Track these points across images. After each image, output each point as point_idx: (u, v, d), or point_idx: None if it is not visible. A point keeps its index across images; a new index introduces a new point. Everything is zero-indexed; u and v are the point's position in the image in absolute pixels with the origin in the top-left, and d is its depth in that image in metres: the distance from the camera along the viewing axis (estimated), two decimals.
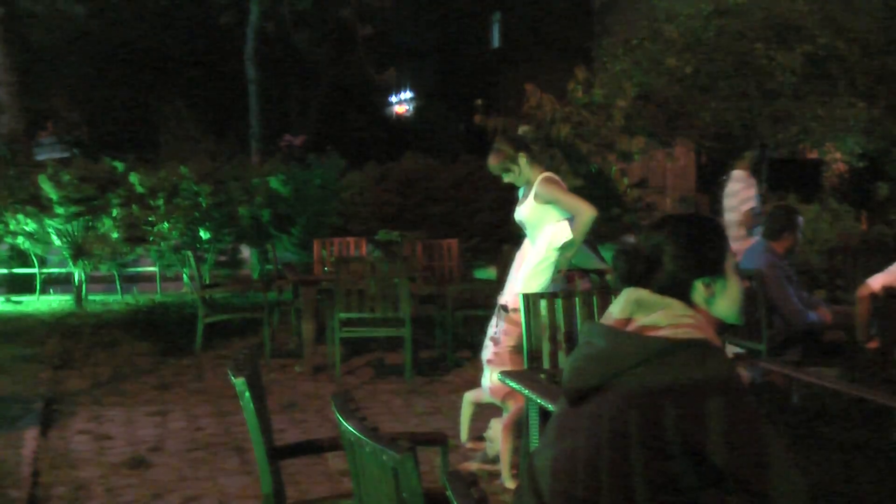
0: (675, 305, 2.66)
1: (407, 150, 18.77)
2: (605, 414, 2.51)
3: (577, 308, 5.52)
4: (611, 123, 12.78)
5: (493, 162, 6.60)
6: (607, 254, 6.77)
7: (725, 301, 2.76)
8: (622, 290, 2.78)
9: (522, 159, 6.50)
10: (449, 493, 2.77)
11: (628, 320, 2.67)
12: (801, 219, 7.42)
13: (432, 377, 9.41)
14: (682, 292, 2.70)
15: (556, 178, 6.55)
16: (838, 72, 15.39)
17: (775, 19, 15.54)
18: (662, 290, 2.69)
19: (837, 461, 3.22)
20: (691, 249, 2.72)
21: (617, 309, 2.72)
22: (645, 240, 2.77)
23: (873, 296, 6.36)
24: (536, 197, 6.42)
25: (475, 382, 8.60)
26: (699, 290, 2.70)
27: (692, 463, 2.40)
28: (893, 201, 16.03)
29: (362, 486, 3.02)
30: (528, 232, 6.70)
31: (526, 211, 6.58)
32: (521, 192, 6.76)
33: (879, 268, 6.63)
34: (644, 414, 2.44)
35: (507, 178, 6.65)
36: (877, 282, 6.40)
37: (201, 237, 14.35)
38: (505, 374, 5.12)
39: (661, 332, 2.56)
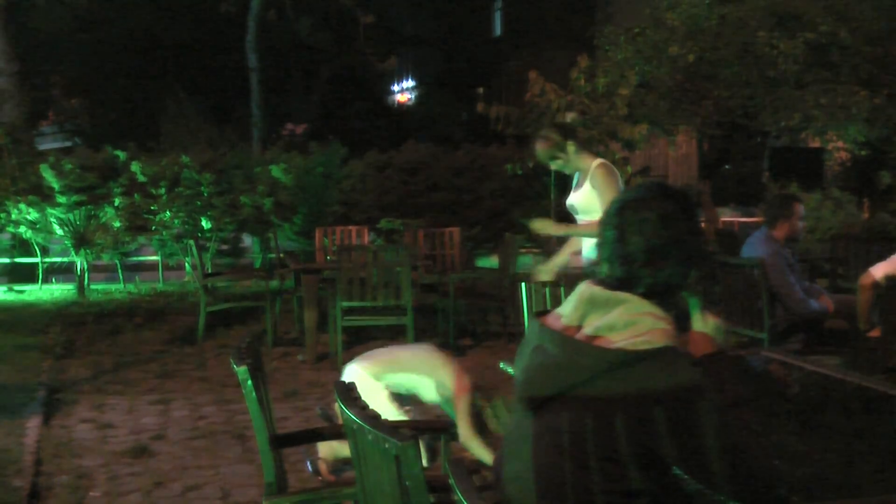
0: (632, 301, 2.51)
1: (409, 138, 18.74)
2: (563, 426, 2.45)
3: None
4: (613, 112, 12.76)
5: (540, 149, 6.65)
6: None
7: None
8: (575, 288, 2.64)
9: (571, 147, 6.57)
10: (451, 480, 2.76)
11: (580, 325, 2.53)
12: (801, 206, 7.40)
13: None
14: (647, 288, 2.55)
15: (612, 167, 6.58)
16: (841, 60, 15.37)
17: (777, 7, 15.53)
18: (621, 284, 2.55)
19: (838, 450, 3.21)
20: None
21: (568, 310, 2.59)
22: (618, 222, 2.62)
23: (875, 284, 6.36)
24: (592, 181, 6.47)
25: (477, 371, 8.61)
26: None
27: (653, 475, 2.37)
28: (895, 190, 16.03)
29: (365, 473, 3.02)
30: (579, 219, 6.74)
31: (579, 197, 6.64)
32: (574, 180, 6.79)
33: (881, 256, 6.63)
34: (600, 425, 2.38)
35: (554, 166, 6.73)
36: (879, 270, 6.40)
37: (203, 226, 14.35)
38: (508, 362, 5.12)
39: (619, 343, 2.42)
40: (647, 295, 2.53)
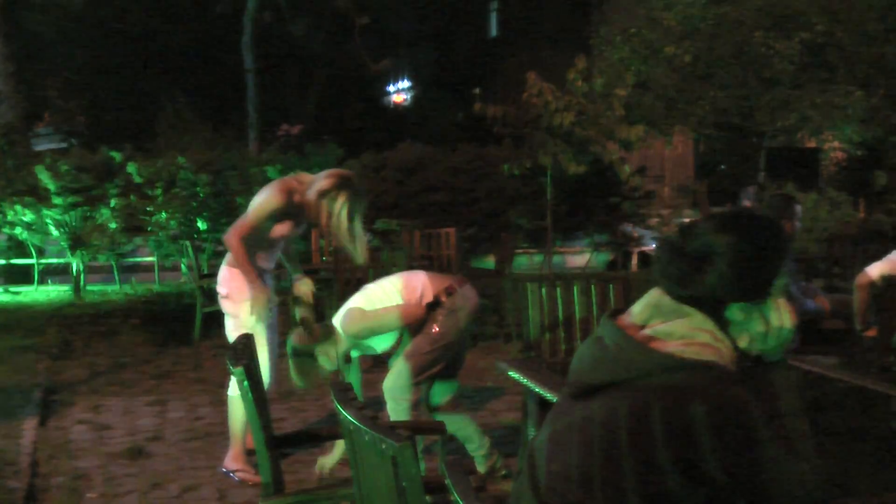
0: (695, 317, 2.49)
1: (405, 139, 18.73)
2: (598, 417, 2.45)
3: (576, 296, 5.53)
4: (610, 112, 12.76)
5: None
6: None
7: (757, 330, 2.51)
8: (649, 290, 2.61)
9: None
10: (448, 481, 2.75)
11: (644, 325, 2.53)
12: (798, 207, 7.41)
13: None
14: (712, 307, 2.48)
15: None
16: (837, 60, 15.40)
17: (774, 7, 15.54)
18: (691, 299, 2.50)
19: (835, 450, 3.21)
20: (748, 268, 2.47)
21: (637, 310, 2.59)
22: (698, 236, 2.52)
23: (872, 284, 6.36)
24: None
25: (475, 371, 8.61)
26: (734, 312, 2.48)
27: (686, 477, 2.35)
28: (891, 190, 16.05)
29: (361, 474, 3.02)
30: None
31: None
32: None
33: (877, 256, 6.63)
34: (634, 421, 2.38)
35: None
36: (875, 270, 6.40)
37: (199, 227, 14.34)
38: (505, 363, 5.12)
39: (669, 346, 2.44)
40: (711, 313, 2.50)
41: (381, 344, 5.73)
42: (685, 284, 2.50)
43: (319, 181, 5.73)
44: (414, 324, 5.52)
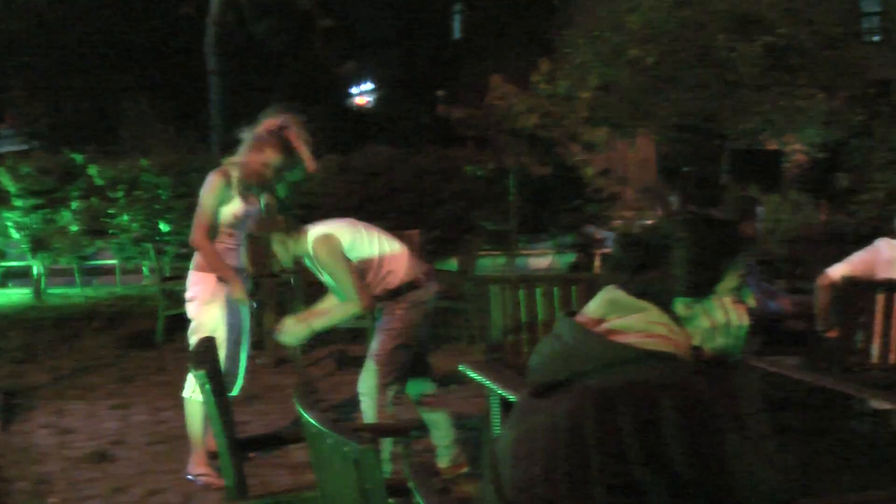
0: (652, 311, 2.53)
1: (369, 141, 18.70)
2: (561, 413, 2.44)
3: (539, 298, 5.55)
4: (574, 114, 12.80)
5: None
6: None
7: (703, 325, 2.54)
8: (602, 287, 2.65)
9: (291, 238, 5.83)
10: (411, 483, 2.75)
11: (601, 320, 2.56)
12: (761, 208, 7.45)
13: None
14: (665, 302, 2.53)
15: (328, 237, 5.68)
16: (799, 63, 15.50)
17: (737, 10, 15.63)
18: (644, 293, 2.55)
19: (797, 450, 3.24)
20: (693, 264, 2.52)
21: (593, 306, 2.61)
22: (652, 233, 2.59)
23: (832, 285, 6.41)
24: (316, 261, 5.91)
25: (438, 373, 8.61)
26: (678, 307, 2.53)
27: (652, 469, 2.36)
28: (853, 191, 16.17)
29: (325, 477, 3.01)
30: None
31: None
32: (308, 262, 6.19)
33: (839, 257, 6.68)
34: (600, 416, 2.38)
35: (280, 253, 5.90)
36: (836, 271, 6.45)
37: (161, 229, 14.27)
38: (467, 365, 5.13)
39: (629, 339, 2.47)
40: (665, 309, 2.54)
41: (329, 282, 5.72)
42: (638, 279, 2.55)
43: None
44: (362, 307, 5.53)
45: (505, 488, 2.53)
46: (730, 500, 2.35)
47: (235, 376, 6.32)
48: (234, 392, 6.27)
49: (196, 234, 5.94)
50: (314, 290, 8.93)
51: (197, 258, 6.10)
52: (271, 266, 8.59)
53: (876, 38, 25.47)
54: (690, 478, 2.32)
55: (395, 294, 5.59)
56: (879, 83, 17.63)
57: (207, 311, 6.06)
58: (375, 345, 5.62)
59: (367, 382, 5.60)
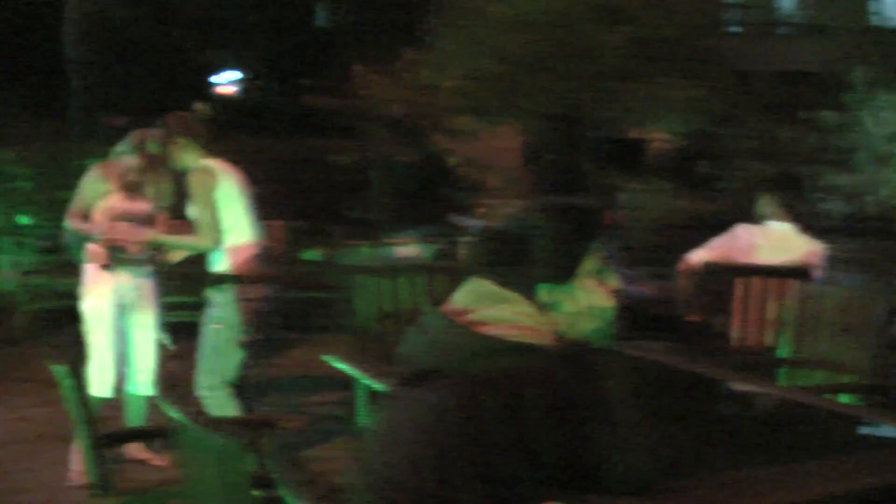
0: (517, 301, 2.55)
1: (233, 130, 18.47)
2: (427, 404, 2.46)
3: (404, 287, 5.53)
4: (438, 103, 12.82)
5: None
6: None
7: (568, 310, 2.56)
8: (469, 278, 2.67)
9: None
10: (275, 475, 2.75)
11: (467, 310, 2.57)
12: (622, 196, 7.54)
13: (257, 360, 9.29)
14: (529, 291, 2.55)
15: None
16: (661, 53, 15.76)
17: (600, 0, 15.84)
18: (508, 283, 2.56)
19: (664, 435, 3.26)
20: (552, 249, 2.55)
21: (459, 297, 2.64)
22: (516, 223, 2.63)
23: (693, 270, 6.53)
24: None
25: (303, 363, 8.55)
26: (541, 293, 2.55)
27: (518, 459, 2.36)
28: (714, 179, 16.51)
29: (189, 471, 2.99)
30: None
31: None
32: None
33: (700, 243, 6.80)
34: (465, 407, 2.39)
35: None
36: (696, 257, 6.59)
37: (21, 223, 13.89)
38: (334, 355, 5.11)
39: (495, 330, 2.48)
40: (530, 298, 2.56)
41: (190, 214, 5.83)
42: (502, 269, 2.57)
43: None
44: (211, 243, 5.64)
45: (373, 477, 2.53)
46: (597, 487, 2.37)
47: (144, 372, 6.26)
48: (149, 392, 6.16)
49: (68, 218, 6.26)
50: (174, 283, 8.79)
51: (85, 249, 6.14)
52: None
53: (736, 30, 26.07)
54: (557, 466, 2.34)
55: (223, 280, 5.62)
56: (739, 74, 18.04)
57: (87, 302, 6.11)
58: (206, 340, 5.63)
59: (206, 379, 5.59)
